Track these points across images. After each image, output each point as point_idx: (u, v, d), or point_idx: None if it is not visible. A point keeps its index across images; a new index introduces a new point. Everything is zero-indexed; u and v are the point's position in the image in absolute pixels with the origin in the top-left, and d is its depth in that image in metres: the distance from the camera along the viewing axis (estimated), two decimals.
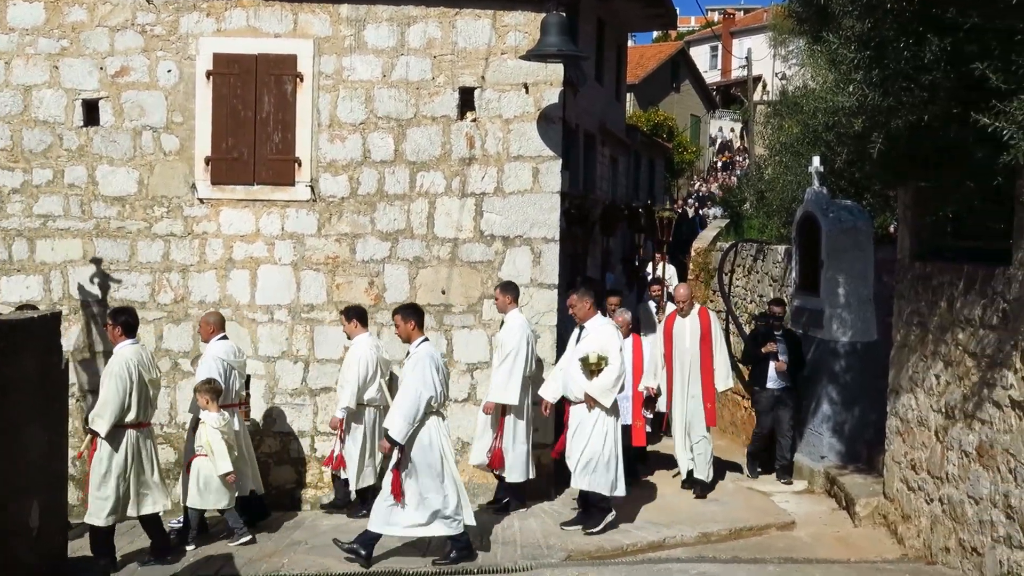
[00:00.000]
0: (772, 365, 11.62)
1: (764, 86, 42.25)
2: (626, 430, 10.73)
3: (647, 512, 10.41)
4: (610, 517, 9.70)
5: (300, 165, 11.22)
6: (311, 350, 11.35)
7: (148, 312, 11.21)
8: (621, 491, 9.72)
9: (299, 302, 11.31)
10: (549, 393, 10.09)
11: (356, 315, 10.66)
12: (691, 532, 9.75)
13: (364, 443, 10.60)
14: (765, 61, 37.35)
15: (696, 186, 39.15)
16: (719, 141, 48.04)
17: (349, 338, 10.76)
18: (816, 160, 12.45)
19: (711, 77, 54.63)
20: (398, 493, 8.68)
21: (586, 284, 11.58)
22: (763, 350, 11.65)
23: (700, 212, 30.16)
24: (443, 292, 11.26)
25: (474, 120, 11.20)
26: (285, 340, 11.33)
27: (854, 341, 11.45)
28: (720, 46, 57.22)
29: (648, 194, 26.85)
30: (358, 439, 10.56)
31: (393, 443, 8.63)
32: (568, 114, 12.76)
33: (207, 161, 11.22)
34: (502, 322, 10.67)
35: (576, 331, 9.99)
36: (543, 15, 10.70)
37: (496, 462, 10.45)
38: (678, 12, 25.23)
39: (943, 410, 8.20)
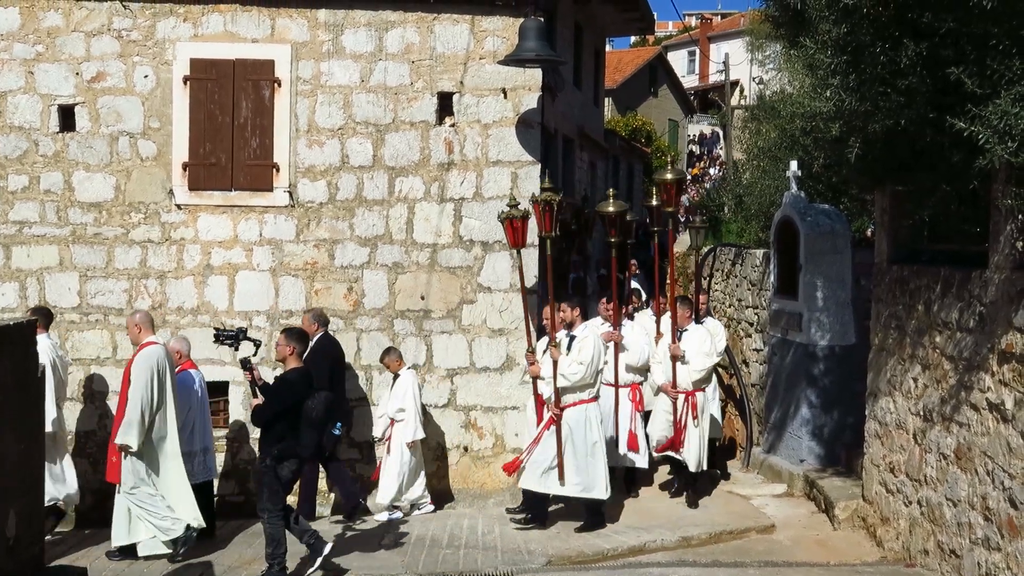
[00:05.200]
0: None
1: (742, 91, 42.36)
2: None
3: (627, 516, 10.42)
4: None
5: (278, 171, 11.19)
6: None
7: (125, 319, 11.12)
8: None
9: (278, 308, 11.27)
10: None
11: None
12: (671, 536, 9.75)
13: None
14: (743, 66, 37.45)
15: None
16: (700, 150, 47.79)
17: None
18: (794, 164, 12.50)
19: (689, 82, 54.70)
20: None
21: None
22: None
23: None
24: (422, 298, 11.25)
25: (453, 125, 11.20)
26: (264, 346, 11.26)
27: (832, 344, 11.48)
28: (698, 51, 57.37)
29: (627, 198, 26.91)
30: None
31: None
32: (547, 119, 12.79)
33: (184, 167, 11.17)
34: None
35: None
36: (521, 20, 10.72)
37: None
38: (656, 17, 25.29)
39: (921, 413, 8.23)
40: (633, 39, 57.57)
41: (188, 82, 11.14)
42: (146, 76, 11.19)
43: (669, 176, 11.15)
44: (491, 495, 11.22)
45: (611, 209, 11.07)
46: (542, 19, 10.82)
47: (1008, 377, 6.72)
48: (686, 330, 11.02)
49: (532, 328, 10.36)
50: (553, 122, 17.56)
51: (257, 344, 9.17)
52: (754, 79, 33.05)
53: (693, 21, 65.24)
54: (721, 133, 41.60)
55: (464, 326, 11.25)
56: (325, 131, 11.22)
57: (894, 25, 6.89)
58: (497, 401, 11.27)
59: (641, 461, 11.13)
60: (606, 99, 32.03)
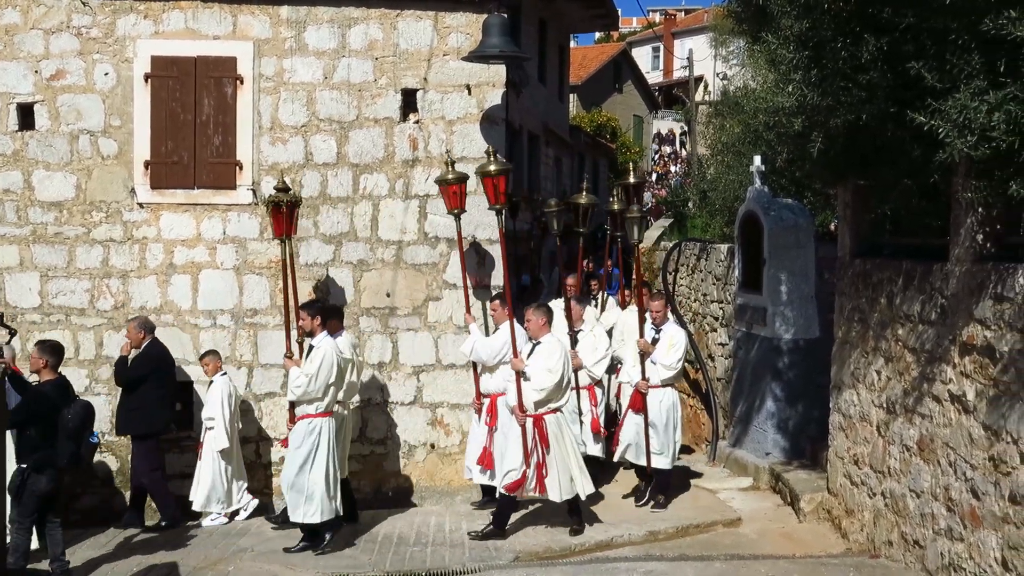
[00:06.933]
0: None
1: (706, 86, 42.59)
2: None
3: (595, 512, 10.42)
4: None
5: (241, 168, 11.11)
6: (255, 355, 11.24)
7: (87, 319, 11.05)
8: None
9: (242, 307, 11.20)
10: None
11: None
12: (638, 531, 9.77)
13: None
14: (706, 62, 37.65)
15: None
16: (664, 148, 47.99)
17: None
18: (757, 159, 12.57)
19: (653, 78, 54.86)
20: None
21: None
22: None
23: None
24: (388, 295, 11.21)
25: (417, 122, 11.16)
26: (228, 345, 11.21)
27: (796, 338, 11.55)
28: (662, 47, 57.56)
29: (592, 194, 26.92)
30: None
31: None
32: (511, 115, 12.77)
33: (146, 165, 11.07)
34: None
35: None
36: (485, 16, 10.69)
37: None
38: (620, 13, 25.34)
39: (884, 405, 8.30)
40: (597, 35, 57.74)
41: (149, 80, 11.04)
42: (106, 74, 11.08)
43: (493, 168, 10.22)
44: (458, 492, 11.20)
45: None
46: (506, 15, 10.80)
47: (969, 369, 6.79)
48: (539, 343, 9.48)
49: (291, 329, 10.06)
50: (518, 118, 17.55)
51: (12, 332, 9.42)
52: (718, 75, 33.23)
53: (657, 17, 65.41)
54: (678, 131, 41.79)
55: (430, 323, 11.23)
56: (288, 128, 11.15)
57: (855, 20, 6.94)
58: (463, 398, 11.24)
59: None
60: (571, 95, 32.06)
